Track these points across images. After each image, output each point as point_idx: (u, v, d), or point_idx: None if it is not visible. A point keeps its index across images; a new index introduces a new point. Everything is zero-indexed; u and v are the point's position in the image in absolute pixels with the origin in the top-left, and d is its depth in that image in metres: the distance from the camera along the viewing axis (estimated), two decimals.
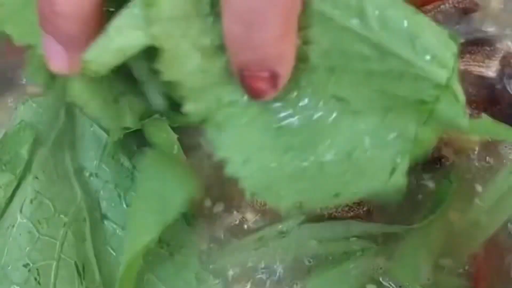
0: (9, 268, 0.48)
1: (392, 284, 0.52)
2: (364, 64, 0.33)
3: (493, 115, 0.54)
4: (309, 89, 0.37)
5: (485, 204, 0.55)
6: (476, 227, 0.54)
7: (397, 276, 0.52)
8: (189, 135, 0.53)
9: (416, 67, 0.33)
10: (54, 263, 0.48)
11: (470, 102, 0.56)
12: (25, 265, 0.48)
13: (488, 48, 0.58)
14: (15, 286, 0.47)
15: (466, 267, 0.53)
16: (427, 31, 0.33)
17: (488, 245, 0.54)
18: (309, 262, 0.54)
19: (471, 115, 0.55)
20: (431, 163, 0.57)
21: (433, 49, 0.33)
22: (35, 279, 0.48)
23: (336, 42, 0.34)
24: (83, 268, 0.48)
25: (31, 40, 0.42)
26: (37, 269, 0.48)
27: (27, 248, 0.47)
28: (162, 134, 0.47)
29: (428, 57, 0.33)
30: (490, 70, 0.58)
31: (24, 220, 0.49)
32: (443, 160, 0.57)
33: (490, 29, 0.63)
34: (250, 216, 0.56)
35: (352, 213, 0.54)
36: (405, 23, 0.32)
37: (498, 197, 0.54)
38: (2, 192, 0.51)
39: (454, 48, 0.33)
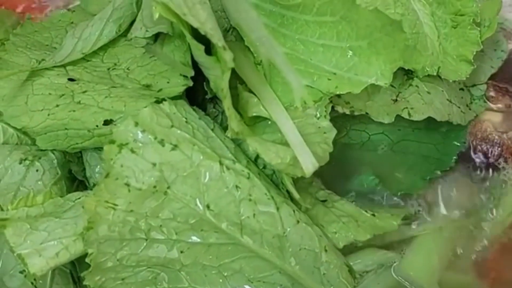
0: (6, 276, 0.46)
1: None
2: None
3: None
4: None
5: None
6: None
7: (409, 271, 0.50)
8: None
9: None
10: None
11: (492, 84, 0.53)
12: (22, 272, 0.46)
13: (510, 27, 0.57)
14: None
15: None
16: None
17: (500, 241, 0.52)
18: None
19: (493, 98, 0.53)
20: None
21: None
22: (32, 283, 0.46)
23: None
24: (78, 277, 0.47)
25: None
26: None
27: None
28: None
29: None
30: None
31: None
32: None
33: None
34: None
35: None
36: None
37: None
38: None
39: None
